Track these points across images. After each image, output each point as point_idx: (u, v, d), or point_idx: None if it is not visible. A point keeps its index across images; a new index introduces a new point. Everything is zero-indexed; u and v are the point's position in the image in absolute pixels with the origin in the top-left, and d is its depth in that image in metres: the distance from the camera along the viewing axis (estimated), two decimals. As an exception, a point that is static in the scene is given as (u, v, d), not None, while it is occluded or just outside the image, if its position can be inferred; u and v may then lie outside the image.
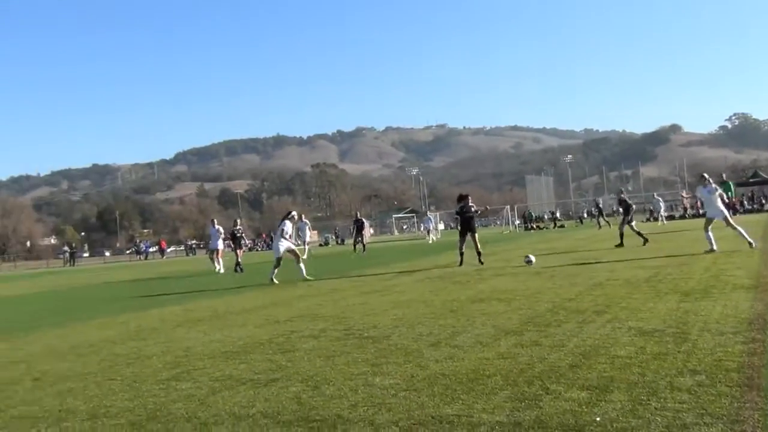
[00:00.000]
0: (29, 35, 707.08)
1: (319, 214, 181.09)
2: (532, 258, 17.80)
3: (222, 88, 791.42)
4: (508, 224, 68.96)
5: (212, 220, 29.87)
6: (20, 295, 23.18)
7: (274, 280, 17.67)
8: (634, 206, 23.50)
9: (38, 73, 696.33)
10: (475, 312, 9.52)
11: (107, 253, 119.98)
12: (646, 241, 21.44)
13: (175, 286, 21.37)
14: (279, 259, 17.93)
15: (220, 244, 27.58)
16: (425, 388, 5.47)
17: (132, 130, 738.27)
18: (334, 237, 79.69)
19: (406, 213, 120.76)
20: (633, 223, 22.31)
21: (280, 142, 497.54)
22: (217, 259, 26.86)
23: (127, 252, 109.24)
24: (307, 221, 36.35)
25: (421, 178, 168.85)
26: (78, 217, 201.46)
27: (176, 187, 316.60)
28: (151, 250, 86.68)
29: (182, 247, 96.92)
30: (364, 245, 37.32)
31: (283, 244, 17.93)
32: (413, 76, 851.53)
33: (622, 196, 23.60)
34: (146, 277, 29.37)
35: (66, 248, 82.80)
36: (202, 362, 7.41)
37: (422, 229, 60.76)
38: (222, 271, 25.83)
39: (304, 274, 17.74)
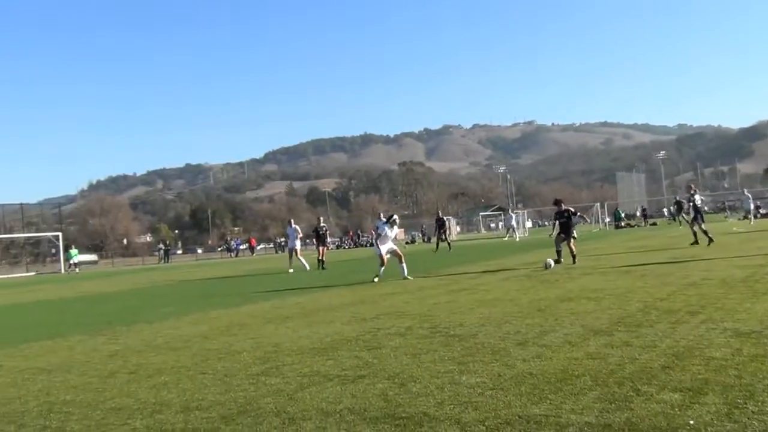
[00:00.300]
0: (128, 36, 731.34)
1: (406, 212, 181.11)
2: (551, 262, 17.63)
3: (310, 88, 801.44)
4: (598, 222, 67.55)
5: (289, 221, 30.48)
6: (118, 291, 23.97)
7: (376, 279, 17.69)
8: (694, 203, 22.62)
9: (135, 77, 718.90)
10: (564, 311, 9.38)
11: (199, 251, 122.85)
12: (695, 243, 21.06)
13: (264, 283, 21.75)
14: (381, 257, 18.00)
15: (298, 244, 28.03)
16: (512, 388, 5.42)
17: (223, 131, 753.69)
18: (420, 235, 79.79)
19: (493, 211, 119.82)
20: (698, 222, 21.81)
21: (367, 140, 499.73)
22: (299, 258, 27.27)
23: (219, 249, 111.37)
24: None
25: (509, 176, 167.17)
26: (172, 215, 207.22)
27: (266, 185, 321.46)
28: (241, 247, 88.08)
29: (271, 245, 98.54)
30: (449, 243, 37.18)
31: (384, 246, 18.05)
32: (501, 72, 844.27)
33: (695, 195, 22.86)
34: (236, 275, 29.95)
35: (161, 246, 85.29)
36: (290, 358, 7.51)
37: (501, 227, 60.31)
38: (307, 268, 26.17)
39: (405, 274, 17.76)
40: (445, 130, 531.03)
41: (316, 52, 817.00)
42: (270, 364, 7.24)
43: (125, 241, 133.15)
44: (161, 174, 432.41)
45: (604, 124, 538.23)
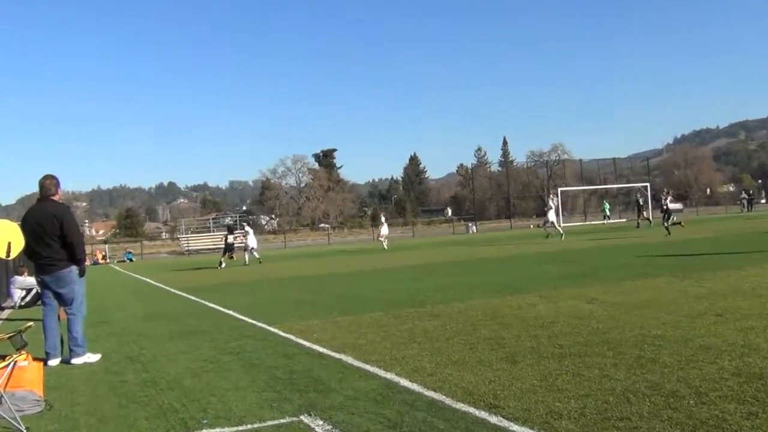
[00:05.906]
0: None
1: None
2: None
3: None
4: None
5: None
6: (702, 238, 22.86)
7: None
8: None
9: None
10: None
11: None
12: None
13: None
14: None
15: None
16: None
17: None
18: None
19: None
20: None
21: None
22: None
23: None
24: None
25: None
26: (755, 165, 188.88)
27: None
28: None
29: None
30: None
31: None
32: None
33: None
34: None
35: (744, 195, 78.29)
36: None
37: None
38: None
39: None
40: None
41: None
42: None
43: (708, 190, 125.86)
44: (744, 125, 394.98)
45: None
